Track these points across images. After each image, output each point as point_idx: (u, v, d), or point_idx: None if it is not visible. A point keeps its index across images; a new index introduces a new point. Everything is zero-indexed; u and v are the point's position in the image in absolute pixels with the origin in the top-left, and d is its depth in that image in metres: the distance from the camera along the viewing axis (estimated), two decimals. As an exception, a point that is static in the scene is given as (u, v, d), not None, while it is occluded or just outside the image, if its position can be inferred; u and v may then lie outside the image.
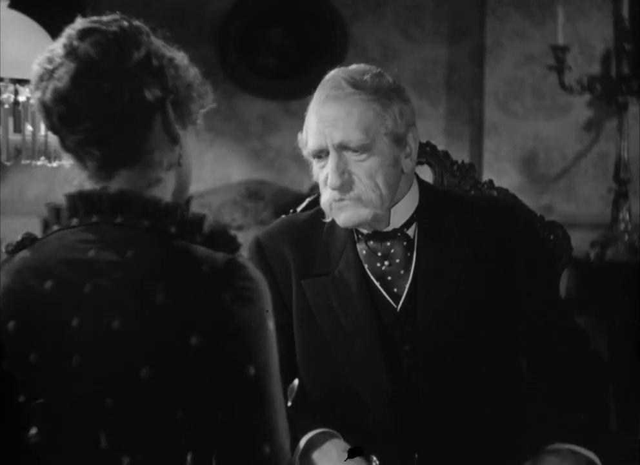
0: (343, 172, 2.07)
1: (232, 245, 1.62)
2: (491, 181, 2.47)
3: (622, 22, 4.65)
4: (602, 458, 2.08)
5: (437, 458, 2.09)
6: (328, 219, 2.16)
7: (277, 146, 5.37)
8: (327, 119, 2.07)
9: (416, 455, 2.09)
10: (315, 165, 2.12)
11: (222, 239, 1.62)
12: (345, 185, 2.07)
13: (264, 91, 5.37)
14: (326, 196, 2.11)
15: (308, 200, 2.47)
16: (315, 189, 2.21)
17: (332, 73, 2.13)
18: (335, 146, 2.07)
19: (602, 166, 5.04)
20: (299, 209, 2.44)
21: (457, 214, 2.16)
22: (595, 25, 5.01)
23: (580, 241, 4.41)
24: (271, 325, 1.61)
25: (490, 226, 2.15)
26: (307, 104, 2.13)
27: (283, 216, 2.43)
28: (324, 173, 2.10)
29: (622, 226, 4.70)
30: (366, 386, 2.10)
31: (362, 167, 2.08)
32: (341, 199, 2.09)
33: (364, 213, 2.10)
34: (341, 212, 2.10)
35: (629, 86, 4.66)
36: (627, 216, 4.71)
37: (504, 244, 2.13)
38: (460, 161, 2.47)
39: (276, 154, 5.38)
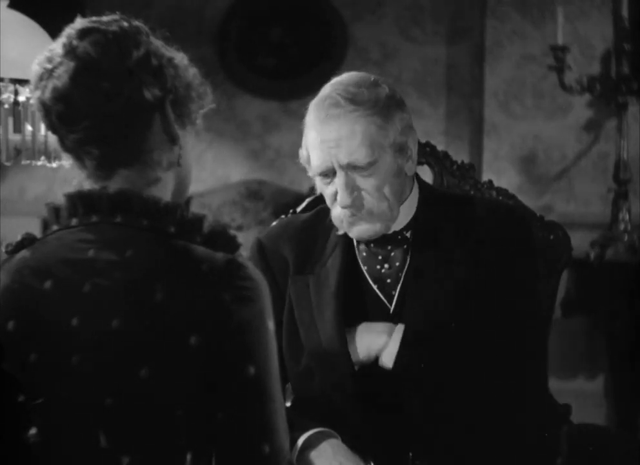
0: (352, 189, 2.07)
1: (232, 244, 1.63)
2: (490, 181, 2.47)
3: (622, 22, 4.65)
4: (602, 457, 2.08)
5: (431, 457, 2.09)
6: (340, 232, 2.15)
7: (277, 146, 5.37)
8: (330, 139, 2.06)
9: (410, 454, 2.09)
10: (320, 181, 2.12)
11: (222, 239, 1.62)
12: (355, 202, 2.07)
13: (264, 91, 5.37)
14: (337, 212, 2.11)
15: (307, 200, 2.47)
16: (314, 189, 2.21)
17: (328, 89, 2.11)
18: (342, 166, 2.06)
19: (602, 166, 5.03)
20: (298, 209, 2.44)
21: (454, 216, 2.16)
22: (594, 25, 5.01)
23: (580, 241, 4.41)
24: (271, 324, 1.61)
25: (486, 229, 2.15)
26: (306, 104, 2.13)
27: (282, 217, 2.43)
28: (330, 189, 2.10)
29: (621, 226, 4.70)
30: (332, 385, 2.11)
31: (369, 182, 2.08)
32: (353, 215, 2.09)
33: (377, 226, 2.11)
34: (354, 226, 2.11)
35: (629, 86, 4.65)
36: (627, 216, 4.71)
37: (499, 248, 2.13)
38: (460, 161, 2.47)
39: (275, 153, 5.38)
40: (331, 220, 2.17)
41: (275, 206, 5.18)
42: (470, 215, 2.17)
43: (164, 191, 1.68)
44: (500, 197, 2.44)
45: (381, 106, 2.08)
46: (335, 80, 2.13)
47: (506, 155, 5.13)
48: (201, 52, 5.14)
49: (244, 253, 1.64)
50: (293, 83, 5.29)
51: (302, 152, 2.14)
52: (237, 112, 5.36)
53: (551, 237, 2.40)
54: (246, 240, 5.09)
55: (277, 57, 5.37)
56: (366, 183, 2.08)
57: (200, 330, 1.56)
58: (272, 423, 1.59)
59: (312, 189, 2.25)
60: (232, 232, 1.65)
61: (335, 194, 2.09)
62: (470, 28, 5.28)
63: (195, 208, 4.99)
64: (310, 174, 2.13)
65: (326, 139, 2.06)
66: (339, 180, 2.07)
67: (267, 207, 5.22)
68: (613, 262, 4.62)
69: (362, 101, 2.07)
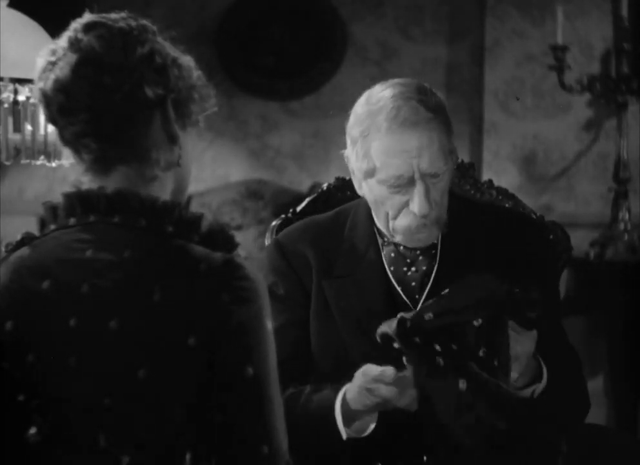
0: (430, 198, 2.06)
1: (230, 244, 1.62)
2: (490, 181, 2.47)
3: (622, 21, 4.65)
4: (602, 457, 2.09)
5: (445, 462, 2.09)
6: (396, 240, 2.13)
7: (277, 145, 5.37)
8: (411, 148, 2.03)
9: (425, 458, 2.09)
10: (386, 190, 2.08)
11: (220, 238, 1.62)
12: (430, 210, 2.07)
13: (264, 90, 5.36)
14: (408, 221, 2.09)
15: (307, 200, 2.47)
16: (314, 189, 2.21)
17: (397, 98, 2.06)
18: (423, 174, 2.04)
19: (602, 166, 5.03)
20: (298, 209, 2.45)
21: (480, 224, 2.17)
22: (594, 24, 5.01)
23: (580, 241, 4.40)
24: (269, 324, 1.61)
25: (511, 238, 2.16)
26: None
27: (283, 216, 2.44)
28: (399, 198, 2.08)
29: (621, 225, 4.70)
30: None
31: (437, 189, 2.08)
32: (424, 224, 2.08)
33: (437, 233, 2.12)
34: (418, 234, 2.10)
35: (628, 85, 4.65)
36: (626, 216, 4.70)
37: (525, 259, 2.14)
38: (460, 161, 2.47)
39: (275, 153, 5.37)
40: (353, 222, 2.18)
41: (275, 206, 5.18)
42: (494, 224, 2.19)
43: (163, 190, 1.68)
44: (500, 197, 2.44)
45: (446, 115, 2.09)
46: (392, 87, 2.09)
47: (506, 155, 5.13)
48: (201, 52, 5.13)
49: (243, 252, 1.64)
50: (292, 83, 5.29)
51: (361, 164, 2.09)
52: (236, 111, 5.35)
53: (551, 237, 2.40)
54: (246, 240, 5.06)
55: (276, 57, 5.36)
56: (435, 191, 2.07)
57: (199, 330, 1.56)
58: (271, 423, 1.59)
59: (312, 189, 2.25)
60: (230, 231, 1.65)
61: (405, 203, 2.07)
62: (470, 28, 5.28)
63: (195, 207, 4.98)
64: (373, 179, 2.08)
65: (407, 148, 2.04)
66: (420, 189, 2.05)
67: (267, 207, 5.21)
68: (613, 262, 4.62)
69: (434, 108, 2.06)
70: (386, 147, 2.05)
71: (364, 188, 2.13)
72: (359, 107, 2.10)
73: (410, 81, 2.12)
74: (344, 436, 2.06)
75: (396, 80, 2.12)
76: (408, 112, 2.04)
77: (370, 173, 2.09)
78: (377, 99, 2.08)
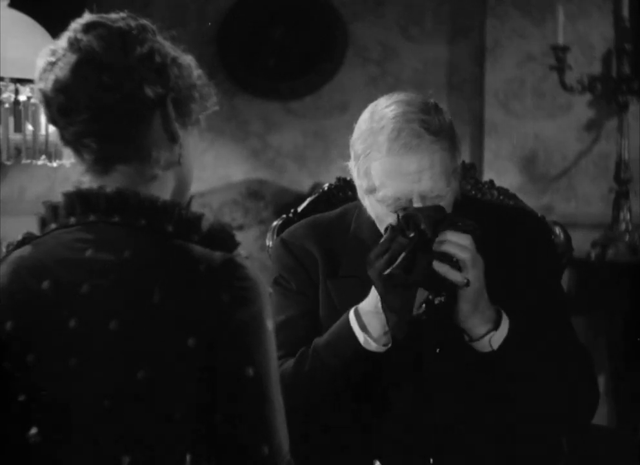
0: None
1: (230, 243, 1.62)
2: (491, 181, 2.47)
3: (623, 22, 4.65)
4: (602, 457, 2.09)
5: (452, 463, 2.09)
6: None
7: (278, 145, 5.37)
8: (412, 171, 2.02)
9: (431, 460, 2.09)
10: (386, 208, 2.07)
11: (220, 237, 1.62)
12: None
13: (265, 90, 5.36)
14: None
15: (308, 200, 2.48)
16: (315, 189, 2.22)
17: (398, 119, 2.03)
18: (422, 196, 2.03)
19: (603, 166, 5.03)
20: (299, 209, 2.45)
21: (486, 223, 2.16)
22: (595, 25, 5.00)
23: (581, 241, 4.40)
24: (269, 325, 1.61)
25: (517, 237, 2.15)
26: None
27: (284, 216, 2.44)
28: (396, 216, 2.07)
29: (622, 226, 4.70)
30: (390, 387, 2.11)
31: None
32: None
33: None
34: None
35: (629, 85, 4.66)
36: (628, 216, 4.70)
37: (530, 256, 2.15)
38: (460, 161, 2.47)
39: (276, 153, 5.37)
40: (358, 221, 2.19)
41: (276, 206, 5.18)
42: (498, 221, 2.18)
43: (164, 190, 1.68)
44: (501, 197, 2.44)
45: (450, 133, 2.07)
46: (395, 105, 2.07)
47: (506, 155, 5.13)
48: (202, 52, 5.14)
49: (243, 252, 1.64)
50: (293, 83, 5.29)
51: (361, 181, 2.09)
52: (237, 111, 5.36)
53: (552, 237, 2.40)
54: (247, 240, 5.07)
55: (277, 57, 5.37)
56: None
57: (199, 331, 1.56)
58: (271, 424, 1.59)
59: (313, 189, 2.25)
60: (231, 230, 1.65)
61: None
62: (470, 28, 5.28)
63: (196, 207, 4.97)
64: (374, 198, 2.08)
65: (407, 171, 2.02)
66: None
67: (268, 207, 5.22)
68: (614, 262, 4.62)
69: (438, 130, 2.03)
70: (385, 169, 2.04)
71: (366, 203, 2.13)
72: (363, 123, 2.09)
73: (414, 99, 2.08)
74: (361, 340, 2.04)
75: (402, 96, 2.09)
76: (410, 135, 2.02)
77: (369, 191, 2.08)
78: (380, 117, 2.05)
